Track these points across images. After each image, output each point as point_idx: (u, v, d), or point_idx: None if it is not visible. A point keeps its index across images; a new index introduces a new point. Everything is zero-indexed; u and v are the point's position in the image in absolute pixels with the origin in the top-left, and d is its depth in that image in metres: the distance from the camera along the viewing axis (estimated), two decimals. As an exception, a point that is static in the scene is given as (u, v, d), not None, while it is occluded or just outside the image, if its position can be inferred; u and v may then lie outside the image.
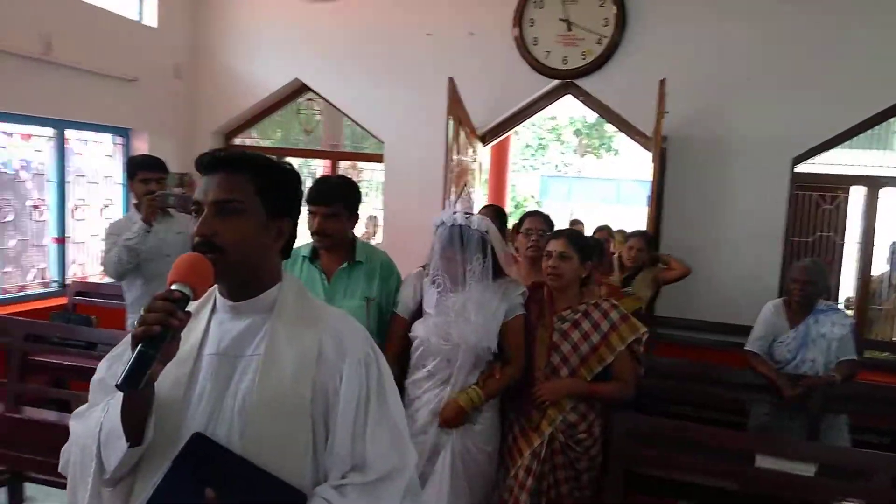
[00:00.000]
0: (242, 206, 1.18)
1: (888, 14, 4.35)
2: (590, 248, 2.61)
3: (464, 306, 2.39)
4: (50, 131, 4.61)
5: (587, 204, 13.70)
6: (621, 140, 12.86)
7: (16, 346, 3.42)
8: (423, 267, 2.55)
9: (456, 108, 4.51)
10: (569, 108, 10.15)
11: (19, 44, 4.10)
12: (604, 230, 5.75)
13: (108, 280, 4.05)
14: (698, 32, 4.67)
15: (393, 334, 2.52)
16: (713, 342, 4.44)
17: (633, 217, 7.51)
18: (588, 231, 6.13)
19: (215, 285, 1.24)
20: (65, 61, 4.40)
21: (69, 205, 4.78)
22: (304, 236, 2.22)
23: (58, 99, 4.45)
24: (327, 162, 6.02)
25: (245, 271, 1.20)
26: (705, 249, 4.66)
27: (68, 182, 4.75)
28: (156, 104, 5.30)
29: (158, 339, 1.03)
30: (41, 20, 4.24)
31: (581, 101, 5.13)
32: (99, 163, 5.08)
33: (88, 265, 5.06)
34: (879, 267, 5.21)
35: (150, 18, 5.30)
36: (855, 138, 4.66)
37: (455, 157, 4.56)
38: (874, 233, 4.79)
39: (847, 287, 5.43)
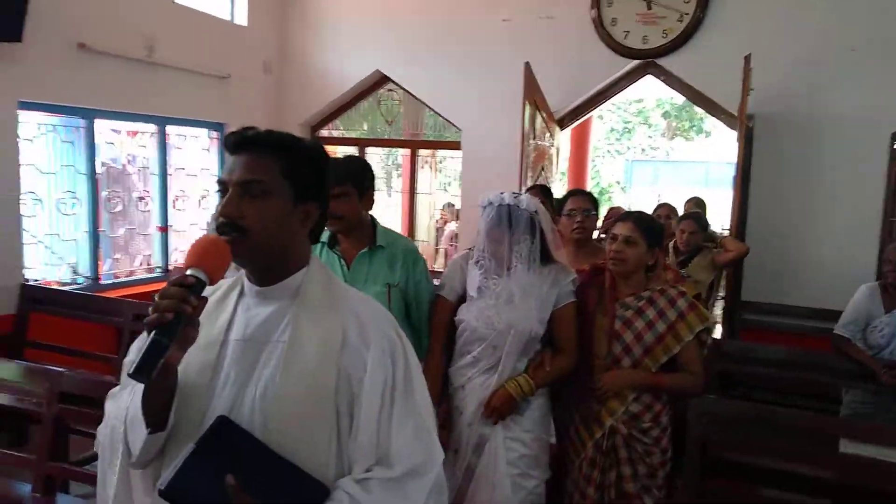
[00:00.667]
0: (268, 187, 1.14)
1: None
2: (659, 233, 2.42)
3: (509, 290, 2.26)
4: (153, 128, 4.98)
5: (674, 188, 13.26)
6: (712, 121, 12.37)
7: (126, 325, 3.79)
8: (470, 250, 2.42)
9: (532, 92, 4.51)
10: (656, 90, 9.87)
11: (125, 47, 4.45)
12: (665, 207, 5.14)
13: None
14: (788, 3, 4.45)
15: (438, 319, 2.39)
16: (805, 328, 4.26)
17: (720, 200, 7.22)
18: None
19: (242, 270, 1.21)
20: (165, 62, 4.74)
21: (171, 196, 5.14)
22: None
23: (159, 97, 4.79)
24: (407, 151, 6.16)
25: (269, 255, 1.16)
26: (796, 231, 4.46)
27: (169, 175, 5.11)
28: (246, 99, 5.60)
29: (172, 327, 1.00)
30: (144, 24, 4.59)
31: (662, 80, 5.01)
32: (196, 156, 5.43)
33: (188, 252, 5.42)
34: None
35: (241, 18, 5.60)
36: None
37: (532, 141, 4.57)
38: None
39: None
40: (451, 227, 7.41)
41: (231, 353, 1.16)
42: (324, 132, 6.24)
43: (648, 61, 4.92)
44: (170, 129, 5.10)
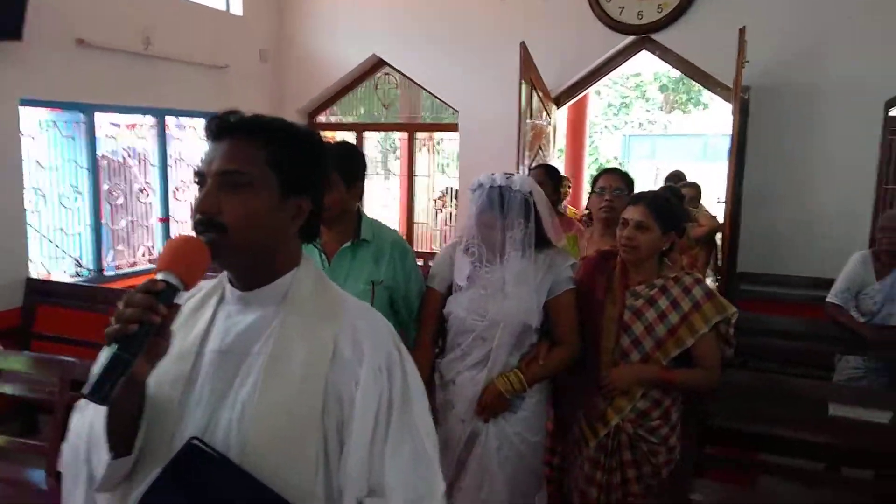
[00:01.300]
0: (251, 178, 1.00)
1: None
2: (674, 216, 2.19)
3: (501, 279, 2.10)
4: (151, 120, 5.02)
5: (672, 162, 13.26)
6: (709, 94, 12.34)
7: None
8: (461, 237, 2.23)
9: (528, 71, 4.54)
10: (653, 64, 9.84)
11: (123, 41, 4.48)
12: (692, 187, 5.04)
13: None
14: (781, -26, 4.45)
15: (428, 312, 2.22)
16: (800, 297, 4.30)
17: (718, 173, 7.25)
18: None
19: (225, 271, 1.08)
20: (163, 54, 4.77)
21: (171, 187, 5.19)
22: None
23: (158, 89, 4.83)
24: (404, 134, 6.19)
25: (252, 256, 1.02)
26: (791, 202, 4.49)
27: (169, 166, 5.16)
28: (244, 88, 5.63)
29: (136, 340, 0.86)
30: (140, 17, 4.61)
31: (657, 55, 5.02)
32: (195, 147, 5.46)
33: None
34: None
35: (237, 7, 5.61)
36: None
37: (528, 120, 4.60)
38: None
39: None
40: (447, 210, 7.43)
41: (207, 366, 1.03)
42: (321, 118, 6.27)
43: (644, 37, 4.92)
44: (169, 120, 5.14)
